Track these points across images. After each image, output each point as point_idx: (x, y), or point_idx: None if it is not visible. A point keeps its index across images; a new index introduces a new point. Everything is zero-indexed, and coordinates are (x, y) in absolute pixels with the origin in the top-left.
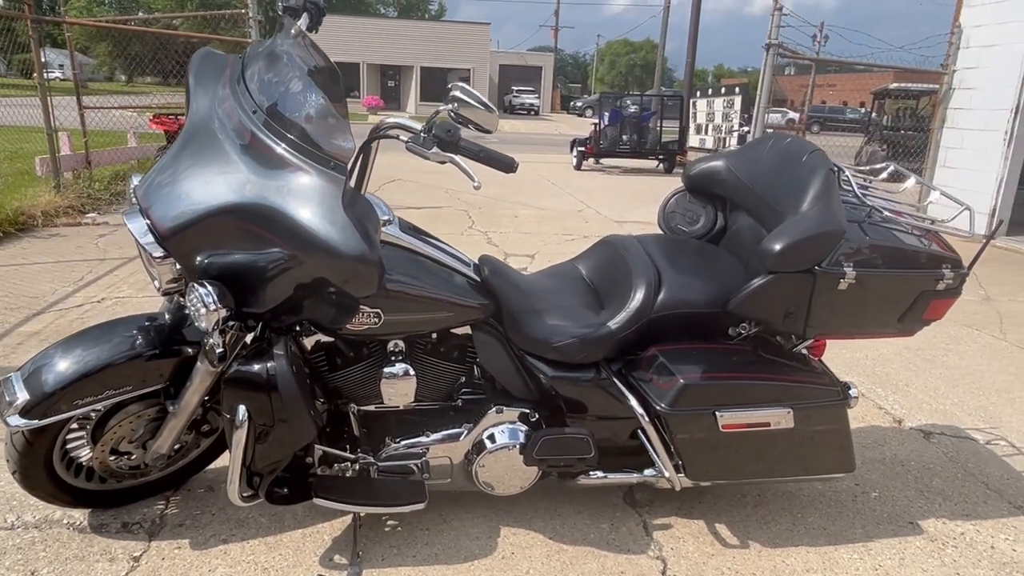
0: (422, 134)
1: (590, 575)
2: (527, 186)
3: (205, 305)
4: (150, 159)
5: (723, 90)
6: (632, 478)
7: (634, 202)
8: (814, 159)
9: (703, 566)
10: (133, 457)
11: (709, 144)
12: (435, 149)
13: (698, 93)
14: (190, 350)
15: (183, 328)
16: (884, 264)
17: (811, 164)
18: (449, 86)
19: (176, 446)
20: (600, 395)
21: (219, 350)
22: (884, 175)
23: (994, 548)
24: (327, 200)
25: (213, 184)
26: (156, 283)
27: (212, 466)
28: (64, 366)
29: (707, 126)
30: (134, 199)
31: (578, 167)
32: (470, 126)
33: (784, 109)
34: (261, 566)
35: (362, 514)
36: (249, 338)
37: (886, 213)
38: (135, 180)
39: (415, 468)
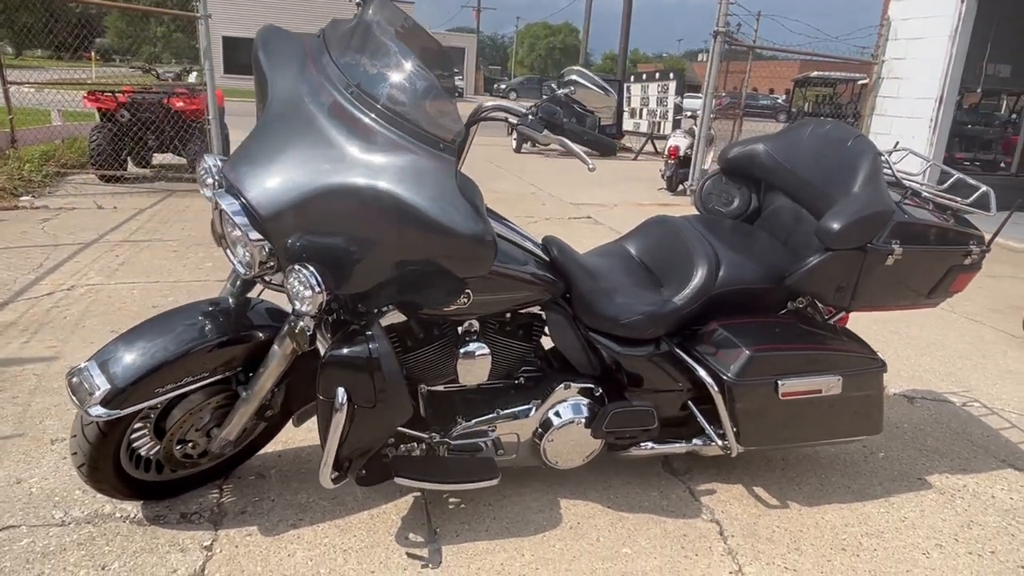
0: (529, 116)
1: (656, 539)
2: (474, 168)
3: (311, 287)
4: (80, 138)
5: (643, 76)
6: (680, 447)
7: (582, 184)
8: (859, 143)
9: (754, 526)
10: (195, 445)
11: (644, 128)
12: (545, 132)
13: (632, 78)
14: (261, 334)
15: (247, 312)
16: (924, 241)
17: (857, 148)
18: (564, 71)
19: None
20: (659, 368)
21: (309, 332)
22: (900, 160)
23: (994, 498)
24: (442, 182)
25: (316, 165)
26: (241, 266)
27: (259, 452)
28: (141, 355)
29: (641, 110)
30: (212, 179)
31: (518, 149)
32: (579, 107)
33: (697, 95)
34: (339, 548)
35: (426, 492)
36: (329, 320)
37: (924, 194)
38: (211, 159)
39: (483, 446)
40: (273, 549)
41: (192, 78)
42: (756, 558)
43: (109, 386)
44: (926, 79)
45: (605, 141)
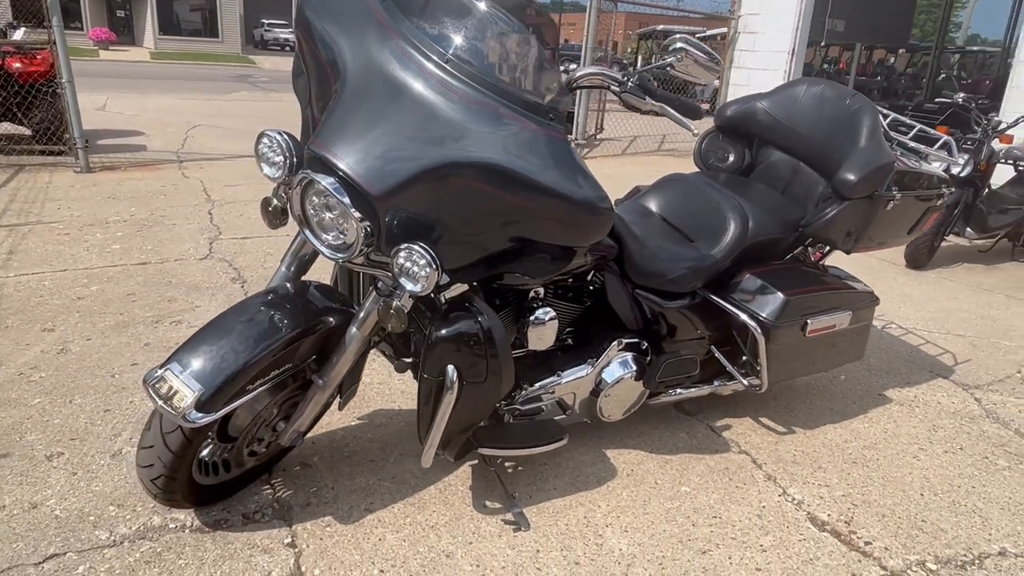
0: (629, 83)
1: (704, 475)
2: None
3: (429, 265)
4: None
5: None
6: (704, 390)
7: None
8: (857, 100)
9: (776, 452)
10: (262, 441)
11: None
12: (648, 99)
13: None
14: (332, 319)
15: (308, 296)
16: (915, 186)
17: (856, 105)
18: (669, 39)
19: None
20: (695, 317)
21: (406, 311)
22: None
23: (940, 404)
24: (558, 152)
25: (423, 139)
26: (331, 249)
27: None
28: (223, 355)
29: None
30: (282, 156)
31: None
32: (691, 77)
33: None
34: (425, 525)
35: (494, 459)
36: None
37: (911, 145)
38: (276, 134)
39: (544, 408)
40: (361, 536)
41: (19, 35)
42: (793, 480)
43: (202, 388)
44: (779, 33)
45: (694, 105)
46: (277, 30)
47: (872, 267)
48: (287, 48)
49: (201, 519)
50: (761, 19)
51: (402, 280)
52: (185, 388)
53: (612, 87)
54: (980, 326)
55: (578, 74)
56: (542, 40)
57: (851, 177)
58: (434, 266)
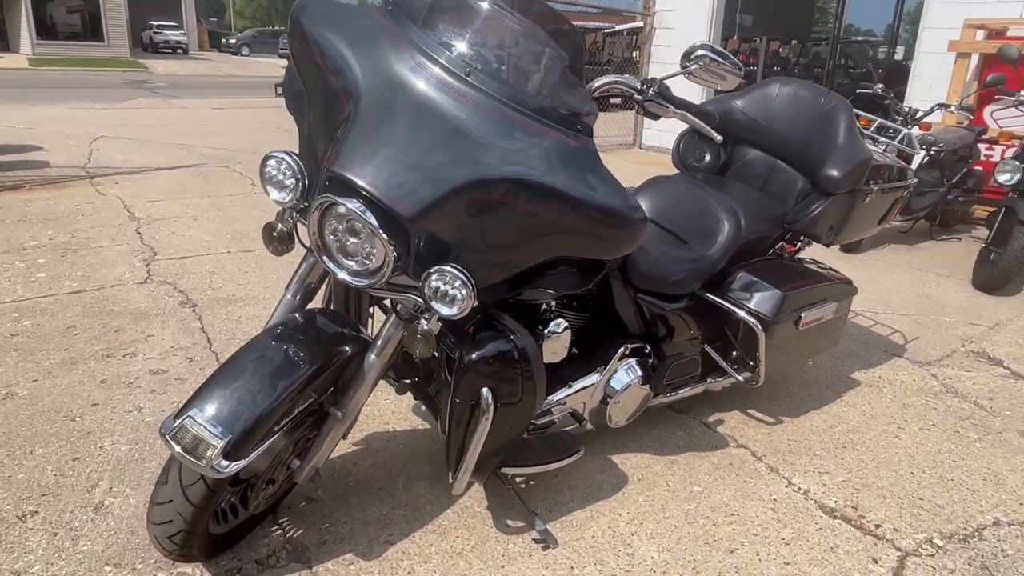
0: (649, 91)
1: (711, 473)
2: (263, 134)
3: (465, 287)
4: None
5: None
6: (697, 389)
7: None
8: (832, 99)
9: (772, 442)
10: (275, 482)
11: None
12: (670, 107)
13: None
14: (347, 348)
15: (318, 326)
16: (888, 179)
17: (831, 103)
18: (690, 47)
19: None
20: (693, 317)
21: (435, 333)
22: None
23: (904, 382)
24: (591, 165)
25: (452, 157)
26: (355, 276)
27: None
28: (242, 398)
29: None
30: (294, 179)
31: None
32: (711, 84)
33: None
34: (452, 552)
35: (509, 476)
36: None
37: (881, 139)
38: (285, 155)
39: (556, 420)
40: (387, 570)
41: None
42: (794, 470)
43: (229, 435)
44: (694, 28)
45: (712, 113)
46: (167, 32)
47: (809, 254)
48: (179, 51)
49: (212, 571)
50: (675, 15)
51: (435, 304)
52: (210, 436)
53: (634, 96)
54: (919, 304)
55: (597, 83)
56: (565, 48)
57: (835, 173)
58: (470, 287)
